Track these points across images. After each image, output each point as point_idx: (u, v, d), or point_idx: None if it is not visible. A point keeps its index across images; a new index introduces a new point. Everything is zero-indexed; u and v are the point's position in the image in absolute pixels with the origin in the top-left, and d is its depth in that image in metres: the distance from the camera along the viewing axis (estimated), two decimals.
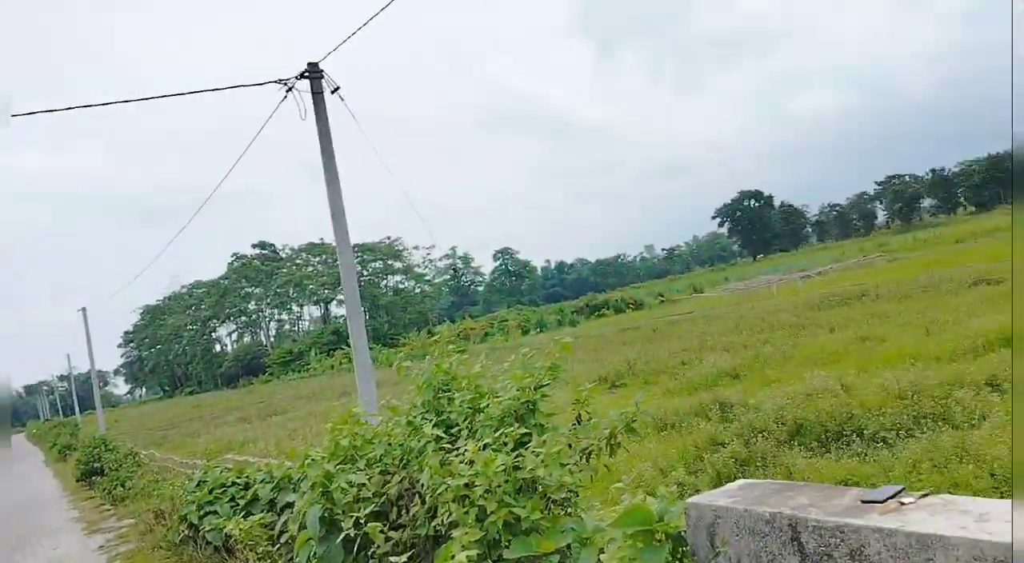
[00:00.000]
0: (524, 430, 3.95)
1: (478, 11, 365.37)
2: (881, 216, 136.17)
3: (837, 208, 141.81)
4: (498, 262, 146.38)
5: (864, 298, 26.26)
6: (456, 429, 4.43)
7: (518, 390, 4.24)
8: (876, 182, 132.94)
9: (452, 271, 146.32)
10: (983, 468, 6.88)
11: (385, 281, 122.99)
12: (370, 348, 15.07)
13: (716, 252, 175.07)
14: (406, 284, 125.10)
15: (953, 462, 7.20)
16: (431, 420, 4.55)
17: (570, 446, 4.05)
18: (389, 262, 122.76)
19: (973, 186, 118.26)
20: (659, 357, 21.82)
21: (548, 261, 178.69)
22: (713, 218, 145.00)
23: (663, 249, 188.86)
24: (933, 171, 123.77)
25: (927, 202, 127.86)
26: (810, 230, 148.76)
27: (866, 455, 8.35)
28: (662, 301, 69.35)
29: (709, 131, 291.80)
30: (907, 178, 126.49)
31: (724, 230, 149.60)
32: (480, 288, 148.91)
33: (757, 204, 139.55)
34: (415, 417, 4.69)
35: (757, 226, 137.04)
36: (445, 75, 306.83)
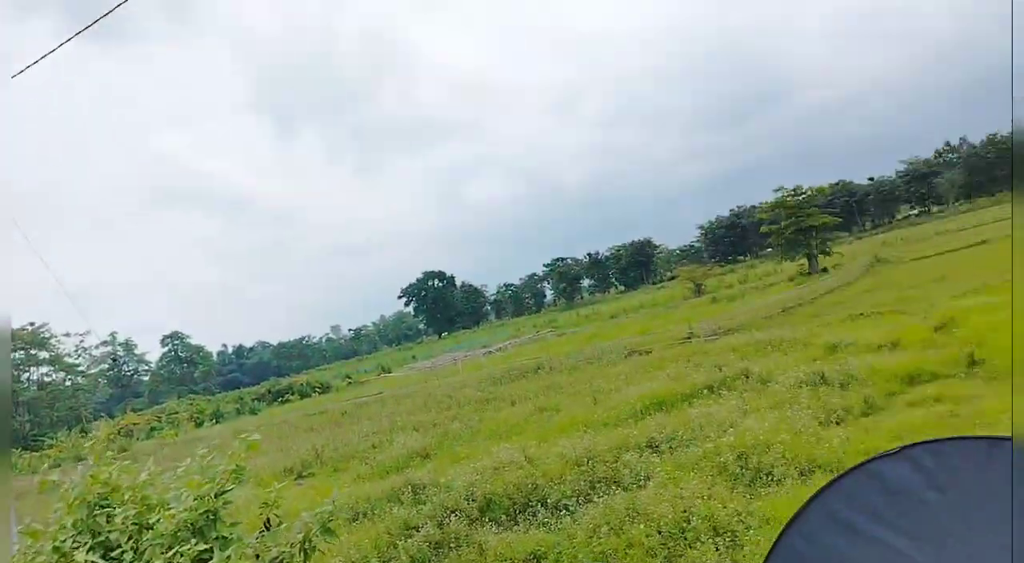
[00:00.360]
0: (203, 546, 3.43)
1: (147, 84, 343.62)
2: (549, 295, 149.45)
3: (512, 288, 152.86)
4: (167, 348, 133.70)
5: (540, 371, 28.21)
6: (118, 552, 3.72)
7: (196, 499, 3.70)
8: (544, 264, 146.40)
9: (111, 360, 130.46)
10: (652, 526, 7.53)
11: (27, 374, 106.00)
12: (8, 453, 12.61)
13: (403, 331, 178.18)
14: (54, 376, 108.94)
15: (627, 523, 7.79)
16: (86, 543, 3.79)
17: (258, 558, 3.61)
18: (32, 352, 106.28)
19: (621, 268, 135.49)
20: (349, 441, 21.26)
21: (225, 345, 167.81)
22: (399, 297, 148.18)
23: (350, 329, 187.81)
24: (589, 255, 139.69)
25: (586, 282, 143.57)
26: (489, 308, 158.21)
27: (551, 524, 8.74)
28: (350, 383, 68.44)
29: (392, 213, 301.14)
30: (569, 261, 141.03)
31: (410, 309, 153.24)
32: (145, 378, 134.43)
33: (440, 284, 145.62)
34: (64, 541, 3.87)
35: (441, 305, 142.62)
36: (108, 149, 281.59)
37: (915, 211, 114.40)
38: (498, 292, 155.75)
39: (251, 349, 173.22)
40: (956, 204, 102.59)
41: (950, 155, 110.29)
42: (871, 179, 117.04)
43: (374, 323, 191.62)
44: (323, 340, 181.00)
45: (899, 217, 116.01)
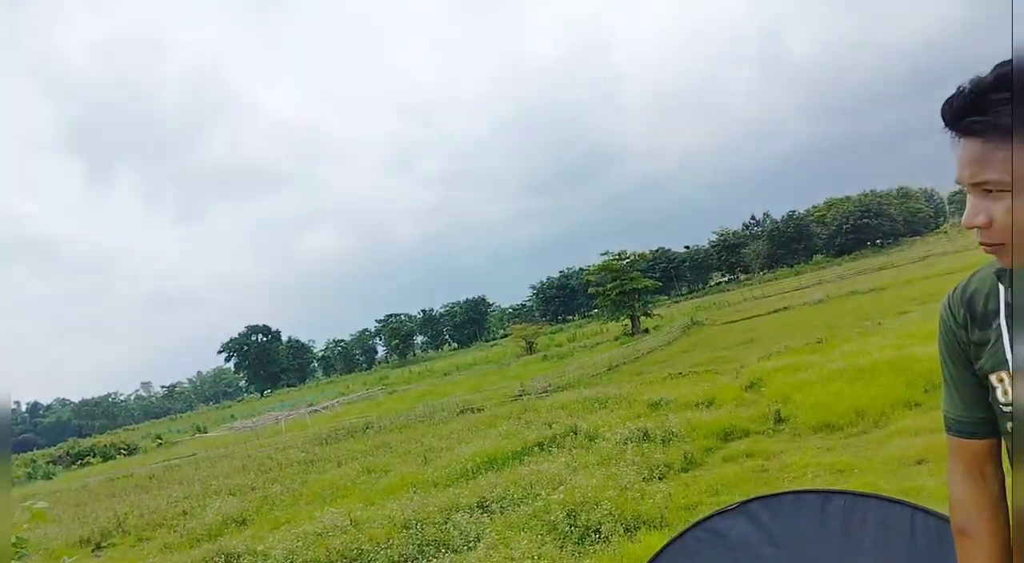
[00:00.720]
0: None
1: None
2: (381, 351, 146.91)
3: (342, 344, 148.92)
4: None
5: (368, 430, 27.39)
6: None
7: None
8: (377, 320, 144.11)
9: None
10: None
11: None
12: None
13: (222, 388, 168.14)
14: None
15: None
16: None
17: None
18: None
19: (455, 325, 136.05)
20: (156, 508, 19.44)
21: (17, 402, 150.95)
22: (219, 352, 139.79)
23: (163, 386, 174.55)
24: (423, 311, 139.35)
25: (420, 338, 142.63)
26: (317, 365, 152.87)
27: None
28: (160, 444, 63.29)
29: (215, 264, 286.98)
30: (402, 316, 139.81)
31: (231, 365, 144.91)
32: None
33: (265, 339, 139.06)
34: None
35: (265, 361, 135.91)
36: None
37: (725, 278, 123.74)
38: (327, 348, 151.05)
39: (48, 407, 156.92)
40: (760, 273, 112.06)
41: (755, 228, 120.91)
42: (687, 247, 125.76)
43: (190, 380, 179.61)
44: (132, 397, 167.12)
45: (712, 283, 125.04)
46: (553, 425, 16.33)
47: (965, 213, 1.21)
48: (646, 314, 53.85)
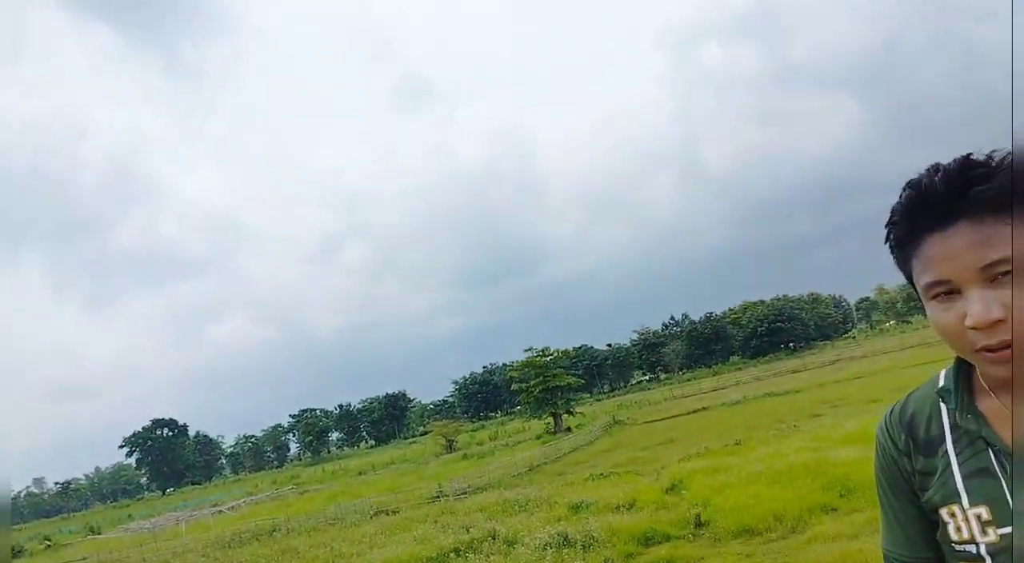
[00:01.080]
0: None
1: None
2: (294, 448, 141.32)
3: (252, 440, 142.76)
4: None
5: (275, 533, 25.94)
6: None
7: None
8: (291, 415, 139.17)
9: None
10: None
11: None
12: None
13: (121, 485, 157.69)
14: None
15: None
16: None
17: None
18: None
19: (373, 421, 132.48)
20: None
21: None
22: (120, 447, 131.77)
23: (56, 483, 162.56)
24: (340, 406, 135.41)
25: (335, 435, 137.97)
26: (225, 462, 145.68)
27: None
28: (49, 546, 58.37)
29: (122, 352, 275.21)
30: (318, 412, 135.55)
31: (132, 461, 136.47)
32: None
33: (171, 433, 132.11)
34: None
35: (169, 457, 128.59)
36: None
37: (647, 377, 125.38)
38: (237, 444, 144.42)
39: None
40: (680, 372, 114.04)
41: (675, 328, 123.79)
42: (609, 345, 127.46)
43: (87, 476, 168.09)
44: (22, 494, 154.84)
45: (633, 382, 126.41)
46: (471, 529, 15.73)
47: (974, 313, 0.96)
48: (569, 412, 53.65)
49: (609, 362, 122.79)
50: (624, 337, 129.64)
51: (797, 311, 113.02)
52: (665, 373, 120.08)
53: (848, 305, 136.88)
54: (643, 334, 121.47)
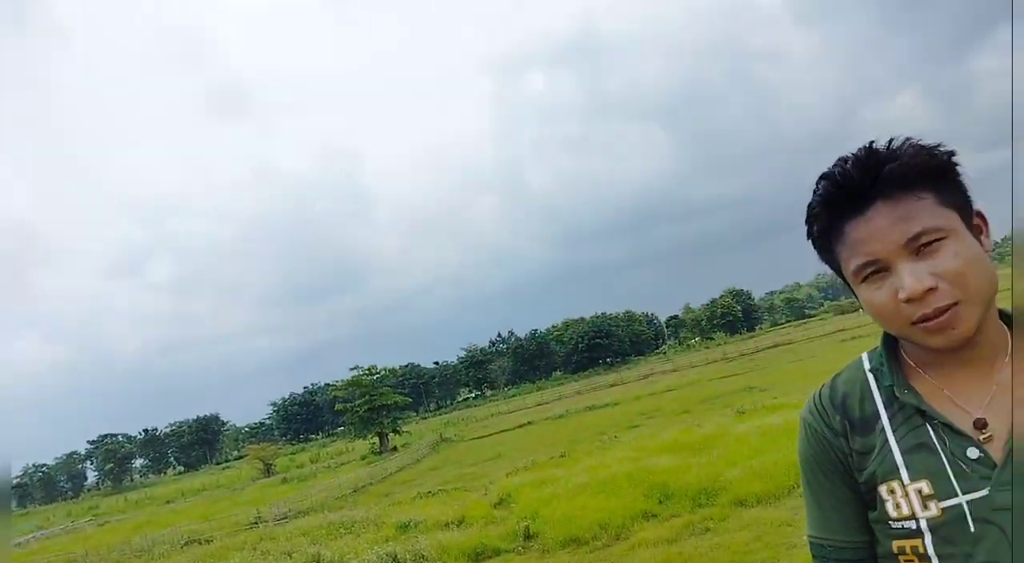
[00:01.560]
0: None
1: None
2: (92, 477, 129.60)
3: (43, 469, 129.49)
4: None
5: None
6: None
7: None
8: (89, 441, 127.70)
9: None
10: None
11: None
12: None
13: None
14: None
15: None
16: None
17: None
18: None
19: (182, 446, 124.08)
20: None
21: None
22: None
23: None
24: (145, 431, 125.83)
25: (139, 461, 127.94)
26: (11, 494, 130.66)
27: None
28: None
29: None
30: (120, 437, 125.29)
31: None
32: None
33: None
34: None
35: None
36: None
37: (473, 394, 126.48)
38: (24, 474, 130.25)
39: None
40: (506, 388, 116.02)
41: (501, 345, 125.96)
42: (436, 363, 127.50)
43: None
44: None
45: (460, 399, 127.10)
46: (293, 554, 15.00)
47: (906, 286, 1.00)
48: (395, 431, 52.90)
49: (436, 380, 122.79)
50: (451, 355, 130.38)
51: (614, 328, 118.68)
52: (491, 389, 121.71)
53: (659, 322, 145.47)
54: (470, 351, 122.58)
